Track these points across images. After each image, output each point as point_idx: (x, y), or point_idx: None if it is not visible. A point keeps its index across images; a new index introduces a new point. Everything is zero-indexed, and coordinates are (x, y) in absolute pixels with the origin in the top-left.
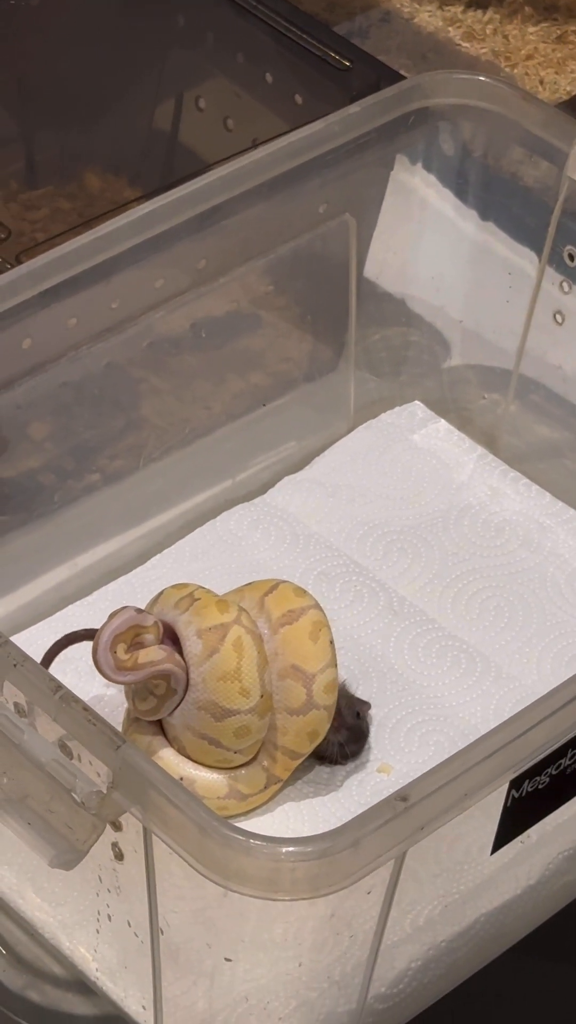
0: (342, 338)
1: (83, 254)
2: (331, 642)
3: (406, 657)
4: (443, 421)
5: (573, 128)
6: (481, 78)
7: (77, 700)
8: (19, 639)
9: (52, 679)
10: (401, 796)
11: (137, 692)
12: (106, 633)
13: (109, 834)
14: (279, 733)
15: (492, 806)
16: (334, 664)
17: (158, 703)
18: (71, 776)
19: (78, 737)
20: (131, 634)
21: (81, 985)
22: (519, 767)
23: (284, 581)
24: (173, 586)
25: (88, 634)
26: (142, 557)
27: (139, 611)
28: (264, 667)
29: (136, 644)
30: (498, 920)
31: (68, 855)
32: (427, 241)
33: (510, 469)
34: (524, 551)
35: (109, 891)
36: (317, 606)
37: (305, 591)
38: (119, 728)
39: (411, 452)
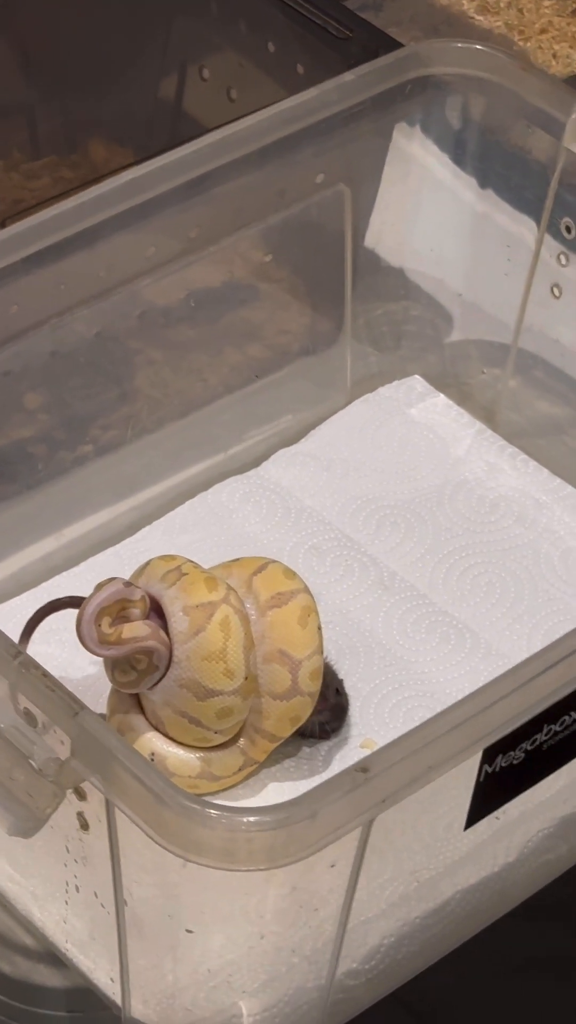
0: (341, 311)
1: (67, 219)
2: (319, 628)
3: (395, 632)
4: (442, 396)
5: (571, 99)
6: (478, 47)
7: (37, 666)
8: (4, 609)
9: (12, 645)
10: (361, 767)
11: (117, 664)
12: (91, 605)
13: (75, 804)
14: (261, 716)
15: (465, 780)
16: (320, 651)
17: (138, 677)
18: (29, 743)
19: (37, 704)
20: (117, 608)
21: (52, 957)
22: (487, 739)
23: (273, 561)
24: (160, 557)
25: (72, 602)
26: (132, 528)
27: (127, 584)
28: (250, 649)
29: (121, 618)
30: (474, 898)
31: (27, 823)
32: (426, 213)
33: (508, 444)
34: (519, 527)
35: (76, 861)
36: (306, 590)
37: (295, 573)
38: (107, 700)
39: (408, 426)
